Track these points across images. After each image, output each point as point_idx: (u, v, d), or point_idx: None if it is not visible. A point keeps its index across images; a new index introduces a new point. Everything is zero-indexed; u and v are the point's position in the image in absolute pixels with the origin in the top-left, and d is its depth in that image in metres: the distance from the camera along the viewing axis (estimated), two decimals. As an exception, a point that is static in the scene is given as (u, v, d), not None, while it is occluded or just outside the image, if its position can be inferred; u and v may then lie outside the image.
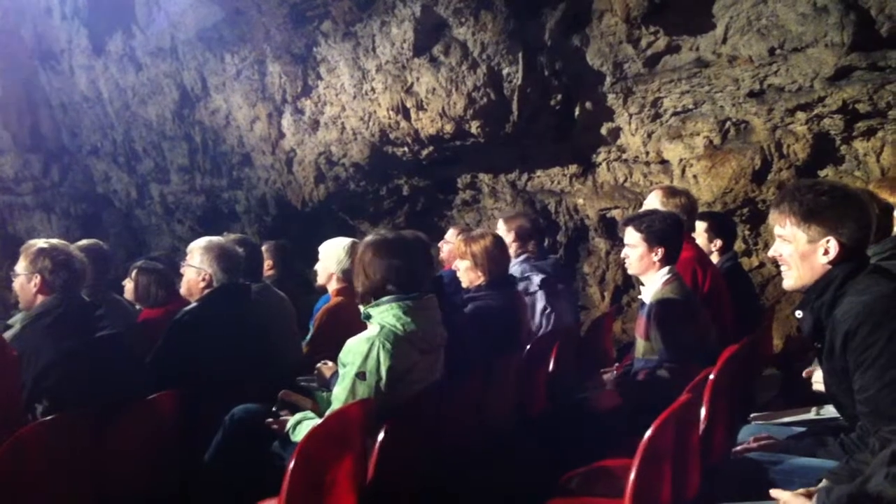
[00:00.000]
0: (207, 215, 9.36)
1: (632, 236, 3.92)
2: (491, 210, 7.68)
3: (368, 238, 3.35)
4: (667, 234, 3.95)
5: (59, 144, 9.98)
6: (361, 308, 3.21)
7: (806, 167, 5.90)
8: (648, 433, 2.30)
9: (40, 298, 3.59)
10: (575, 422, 3.81)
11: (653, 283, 3.89)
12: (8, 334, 3.45)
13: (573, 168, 7.06)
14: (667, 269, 3.89)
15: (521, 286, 4.87)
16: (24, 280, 3.62)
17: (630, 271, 4.03)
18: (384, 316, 3.12)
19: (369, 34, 6.70)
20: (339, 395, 3.03)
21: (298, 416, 3.35)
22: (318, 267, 4.94)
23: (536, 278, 5.13)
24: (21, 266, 3.64)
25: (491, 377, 3.84)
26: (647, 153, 6.55)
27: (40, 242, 3.72)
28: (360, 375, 3.01)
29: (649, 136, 6.48)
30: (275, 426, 3.41)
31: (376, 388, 3.00)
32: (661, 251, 3.89)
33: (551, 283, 5.18)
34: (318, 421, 3.06)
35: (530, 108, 6.44)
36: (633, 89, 6.29)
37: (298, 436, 3.18)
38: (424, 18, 6.35)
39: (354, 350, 3.06)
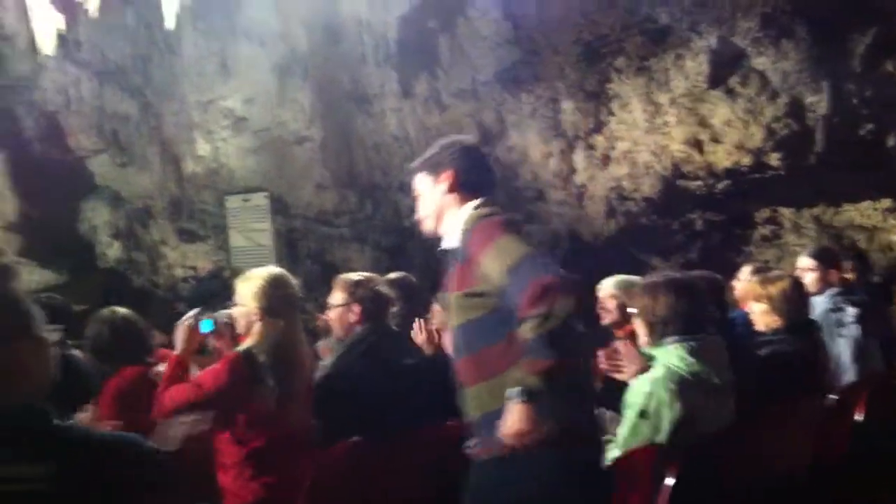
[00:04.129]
0: (503, 248, 9.66)
1: None
2: (793, 247, 7.27)
3: (651, 278, 3.35)
4: None
5: (371, 181, 10.78)
6: (643, 349, 3.22)
7: None
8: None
9: (357, 328, 3.77)
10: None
11: None
12: (325, 362, 3.77)
13: (886, 202, 6.54)
14: None
15: (833, 317, 4.63)
16: (343, 311, 3.80)
17: None
18: (669, 357, 3.10)
19: (663, 68, 6.67)
20: (622, 435, 3.06)
21: None
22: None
23: (851, 310, 4.84)
24: (338, 298, 3.82)
25: (784, 423, 3.66)
26: (976, 185, 5.94)
27: (353, 276, 3.95)
28: (643, 414, 3.02)
29: (978, 166, 5.87)
30: None
31: (659, 428, 3.00)
32: None
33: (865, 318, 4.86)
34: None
35: (836, 138, 6.08)
36: (959, 114, 5.74)
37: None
38: (721, 49, 6.24)
39: (638, 390, 3.08)
